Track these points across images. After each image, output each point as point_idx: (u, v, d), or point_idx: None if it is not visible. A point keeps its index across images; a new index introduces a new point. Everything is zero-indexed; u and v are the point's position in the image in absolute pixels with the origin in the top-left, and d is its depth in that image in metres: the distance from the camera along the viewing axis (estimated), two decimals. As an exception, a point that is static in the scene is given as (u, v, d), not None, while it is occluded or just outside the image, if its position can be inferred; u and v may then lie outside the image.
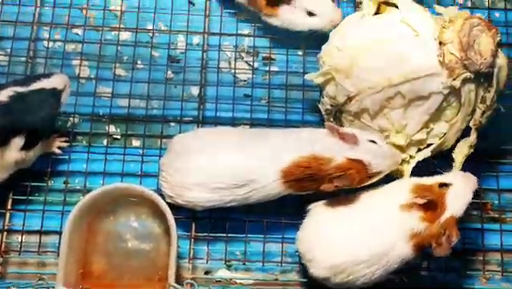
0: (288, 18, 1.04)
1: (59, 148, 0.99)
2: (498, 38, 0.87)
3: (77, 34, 1.11)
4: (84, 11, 1.12)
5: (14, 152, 0.88)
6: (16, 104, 0.87)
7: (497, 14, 1.14)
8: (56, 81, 0.92)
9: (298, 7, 1.02)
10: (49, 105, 0.91)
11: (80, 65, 1.08)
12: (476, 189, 0.88)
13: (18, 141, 0.88)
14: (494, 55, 0.84)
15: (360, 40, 0.93)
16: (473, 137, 0.90)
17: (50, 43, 1.09)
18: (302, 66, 1.10)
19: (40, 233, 0.98)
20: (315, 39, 1.05)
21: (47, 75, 0.93)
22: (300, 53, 1.11)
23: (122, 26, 1.11)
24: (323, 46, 1.00)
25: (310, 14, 1.03)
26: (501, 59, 0.88)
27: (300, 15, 1.03)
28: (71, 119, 1.05)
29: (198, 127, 1.06)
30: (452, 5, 1.11)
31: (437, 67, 0.85)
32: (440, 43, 0.85)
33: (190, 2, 1.14)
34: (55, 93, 0.92)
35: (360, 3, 1.00)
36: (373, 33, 0.92)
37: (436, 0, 1.12)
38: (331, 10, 1.03)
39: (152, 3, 1.12)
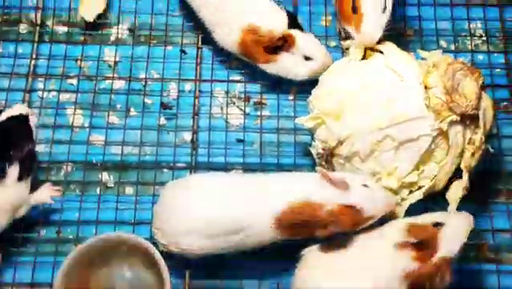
0: (287, 65, 1.06)
1: (52, 197, 0.99)
2: (482, 81, 0.90)
3: (71, 84, 1.13)
4: (79, 62, 1.14)
5: (12, 183, 0.89)
6: None
7: (480, 57, 1.18)
8: (18, 108, 0.96)
9: (296, 53, 1.04)
10: (23, 129, 0.94)
11: (74, 114, 1.09)
12: (472, 228, 0.88)
13: (13, 171, 0.89)
14: (479, 98, 0.87)
15: (348, 85, 0.95)
16: (465, 179, 0.91)
17: (45, 94, 1.11)
18: (293, 110, 1.12)
19: (31, 286, 0.97)
20: (305, 84, 1.08)
21: (7, 107, 0.97)
22: (291, 97, 1.13)
23: (115, 75, 1.14)
24: (313, 91, 1.02)
25: (307, 58, 1.05)
26: (486, 101, 0.90)
27: (299, 62, 1.05)
28: (64, 167, 1.06)
29: (191, 173, 1.06)
30: (436, 48, 1.15)
31: (424, 111, 0.88)
32: (426, 87, 0.87)
33: (182, 51, 1.17)
34: (23, 117, 0.95)
35: (347, 49, 1.03)
36: (360, 78, 0.95)
37: (421, 44, 1.16)
38: (324, 54, 1.06)
39: (145, 52, 1.16)
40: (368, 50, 1.00)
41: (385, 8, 1.00)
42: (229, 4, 1.05)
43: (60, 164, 1.06)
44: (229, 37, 1.06)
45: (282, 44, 1.03)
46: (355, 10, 1.00)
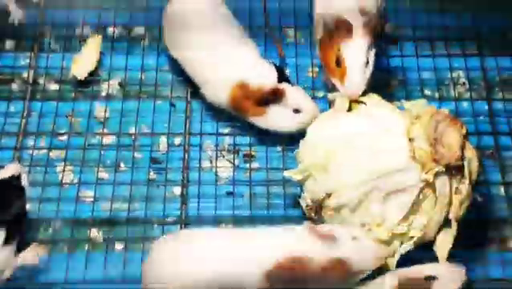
0: (276, 118, 1.07)
1: (38, 257, 0.97)
2: (464, 131, 0.91)
3: (61, 140, 1.14)
4: (69, 118, 1.16)
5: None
6: None
7: (464, 104, 1.20)
8: (10, 168, 0.96)
9: (285, 106, 1.06)
10: (13, 191, 0.93)
11: (64, 171, 1.09)
12: (464, 280, 0.87)
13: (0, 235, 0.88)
14: (462, 148, 0.88)
15: (335, 137, 0.96)
16: (453, 229, 0.91)
17: (35, 151, 1.12)
18: (282, 161, 1.13)
19: None
20: (294, 135, 1.09)
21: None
22: (280, 149, 1.15)
23: (105, 130, 1.15)
24: (301, 142, 1.03)
25: (296, 111, 1.06)
26: (470, 151, 0.91)
27: (288, 114, 1.06)
28: (53, 225, 1.05)
29: (181, 227, 1.06)
30: (420, 97, 1.18)
31: (409, 162, 0.88)
32: (410, 139, 0.89)
33: (172, 105, 1.19)
34: (15, 179, 0.95)
35: (333, 101, 1.05)
36: (346, 130, 0.96)
37: (405, 93, 1.19)
38: (313, 106, 1.07)
39: (135, 107, 1.17)
40: (353, 102, 1.02)
41: (368, 61, 1.03)
42: (217, 61, 1.07)
43: (49, 221, 1.05)
44: (218, 93, 1.08)
45: (271, 98, 1.05)
46: (338, 63, 1.03)
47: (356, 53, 1.01)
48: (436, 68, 1.22)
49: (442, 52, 1.24)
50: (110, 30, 1.26)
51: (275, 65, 1.08)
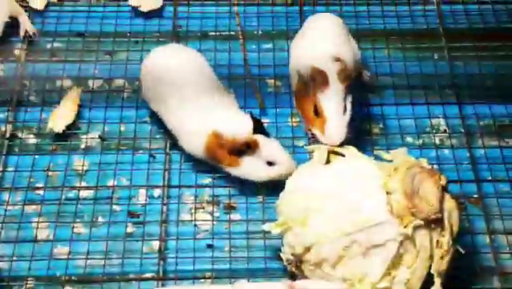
0: (250, 169, 1.07)
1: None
2: (444, 182, 0.90)
3: (38, 194, 1.12)
4: (47, 172, 1.14)
5: None
6: None
7: (446, 151, 1.20)
8: None
9: (259, 158, 1.06)
10: None
11: (38, 227, 1.07)
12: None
13: None
14: (441, 201, 0.86)
15: (313, 190, 0.95)
16: (437, 284, 0.88)
17: (10, 206, 1.09)
18: (263, 213, 1.11)
19: None
20: (275, 186, 1.07)
21: None
22: (260, 199, 1.13)
23: (84, 183, 1.13)
24: (281, 194, 1.02)
25: (270, 163, 1.06)
26: (450, 203, 0.90)
27: (261, 166, 1.06)
28: (25, 283, 1.01)
29: (158, 284, 1.02)
30: (402, 145, 1.17)
31: (387, 216, 0.87)
32: (387, 192, 0.87)
33: (151, 156, 1.18)
34: None
35: (312, 152, 1.05)
36: (324, 183, 0.94)
37: (386, 140, 1.18)
38: (286, 160, 1.07)
39: (114, 159, 1.16)
40: (332, 154, 1.01)
41: (345, 110, 1.03)
42: (193, 112, 1.07)
43: (21, 279, 1.01)
44: (194, 143, 1.08)
45: (245, 149, 1.05)
46: (317, 112, 1.03)
47: (334, 101, 1.01)
48: (416, 116, 1.22)
49: (421, 100, 1.24)
50: (90, 82, 1.26)
51: (252, 116, 1.08)
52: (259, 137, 1.05)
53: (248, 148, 1.04)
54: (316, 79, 1.02)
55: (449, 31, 1.34)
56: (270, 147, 1.05)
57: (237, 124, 1.06)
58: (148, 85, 1.13)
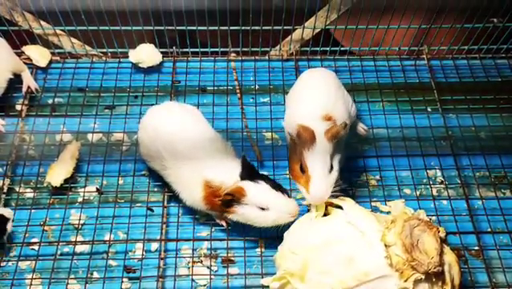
0: (245, 216, 1.05)
1: None
2: (443, 235, 0.90)
3: (33, 249, 1.10)
4: (43, 226, 1.13)
5: None
6: None
7: (444, 202, 1.20)
8: (5, 211, 1.08)
9: (250, 204, 1.04)
10: None
11: (31, 284, 1.04)
12: None
13: None
14: (440, 253, 0.86)
15: (311, 243, 0.94)
16: (440, 339, 0.86)
17: (3, 263, 1.07)
18: (261, 266, 1.09)
19: None
20: (273, 239, 1.07)
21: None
22: (259, 252, 1.11)
23: (80, 238, 1.12)
24: (279, 247, 1.01)
25: (262, 208, 1.04)
26: (450, 255, 0.89)
27: (255, 212, 1.04)
28: None
29: None
30: (399, 196, 1.18)
31: (387, 269, 0.85)
32: (386, 245, 0.87)
33: (149, 209, 1.17)
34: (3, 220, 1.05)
35: (310, 205, 1.04)
36: (323, 236, 0.93)
37: (384, 192, 1.18)
38: (283, 204, 1.04)
39: (111, 213, 1.15)
40: (329, 207, 1.01)
41: (332, 168, 1.01)
42: (189, 166, 1.07)
43: (12, 339, 0.99)
44: (194, 196, 1.07)
45: (230, 200, 1.03)
46: (302, 170, 1.01)
47: (319, 160, 1.00)
48: (412, 167, 1.23)
49: (417, 152, 1.25)
50: (89, 136, 1.28)
51: (244, 161, 1.06)
52: (246, 184, 1.03)
53: (233, 196, 1.02)
54: (302, 137, 1.00)
55: (441, 85, 1.38)
56: (257, 192, 1.03)
57: (224, 171, 1.05)
58: (145, 144, 1.14)
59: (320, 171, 0.98)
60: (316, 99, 1.11)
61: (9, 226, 1.07)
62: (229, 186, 1.02)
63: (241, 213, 1.05)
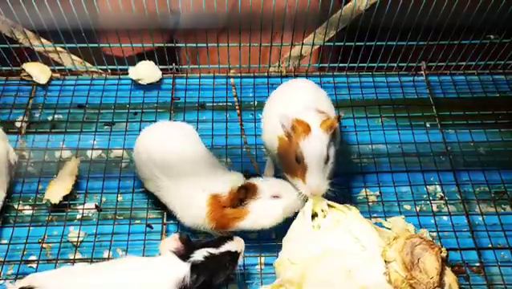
0: (260, 211, 1.03)
1: None
2: (444, 254, 0.89)
3: (31, 267, 1.09)
4: (42, 243, 1.12)
5: None
6: (209, 263, 0.95)
7: (445, 218, 1.19)
8: (236, 244, 1.00)
9: (263, 197, 1.03)
10: (229, 265, 0.98)
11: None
12: None
13: None
14: (441, 274, 0.85)
15: (311, 253, 0.93)
16: None
17: (1, 281, 1.06)
18: (260, 283, 1.08)
19: None
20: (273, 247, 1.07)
21: (230, 238, 1.00)
22: (258, 269, 1.10)
23: (78, 255, 1.11)
24: (279, 254, 1.00)
25: (275, 197, 1.04)
26: (450, 277, 0.88)
27: (270, 203, 1.03)
28: None
29: None
30: (399, 212, 1.17)
31: (386, 285, 0.85)
32: (386, 261, 0.86)
33: (148, 226, 1.17)
34: (235, 255, 0.99)
35: (316, 215, 0.99)
36: (322, 246, 0.92)
37: (384, 208, 1.18)
38: (293, 189, 1.03)
39: (110, 230, 1.15)
40: (331, 208, 0.98)
41: (328, 159, 1.00)
42: (187, 187, 1.06)
43: None
44: (195, 212, 1.06)
45: (245, 195, 1.02)
46: (298, 160, 1.00)
47: (316, 147, 0.98)
48: (412, 183, 1.23)
49: (416, 167, 1.25)
50: (88, 152, 1.28)
51: (243, 173, 1.08)
52: (253, 180, 1.05)
53: (247, 191, 1.02)
54: (297, 129, 0.99)
55: (439, 100, 1.38)
56: (267, 183, 1.04)
57: (227, 178, 1.06)
58: (139, 164, 1.13)
59: (318, 158, 0.97)
60: (303, 96, 1.12)
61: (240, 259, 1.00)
62: (237, 188, 1.02)
63: (257, 210, 1.03)
